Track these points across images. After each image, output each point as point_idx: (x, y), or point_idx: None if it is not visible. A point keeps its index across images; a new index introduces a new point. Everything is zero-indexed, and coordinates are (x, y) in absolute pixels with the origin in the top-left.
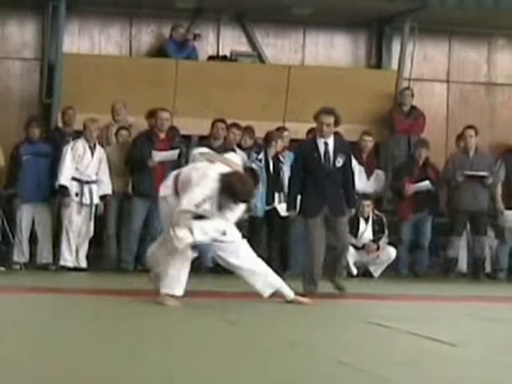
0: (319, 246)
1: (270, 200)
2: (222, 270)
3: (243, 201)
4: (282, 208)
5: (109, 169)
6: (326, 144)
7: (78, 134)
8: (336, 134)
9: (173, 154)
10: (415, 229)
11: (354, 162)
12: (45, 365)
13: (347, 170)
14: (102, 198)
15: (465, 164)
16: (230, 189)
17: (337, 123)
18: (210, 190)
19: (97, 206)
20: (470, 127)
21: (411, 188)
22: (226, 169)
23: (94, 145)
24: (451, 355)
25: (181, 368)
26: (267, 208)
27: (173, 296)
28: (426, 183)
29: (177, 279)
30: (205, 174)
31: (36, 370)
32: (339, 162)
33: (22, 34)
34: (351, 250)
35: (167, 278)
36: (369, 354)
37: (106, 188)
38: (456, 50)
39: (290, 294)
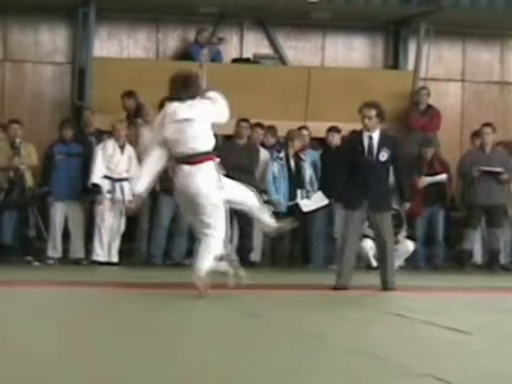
0: (352, 241)
1: (292, 196)
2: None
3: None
4: (304, 204)
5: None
6: (370, 138)
7: (100, 133)
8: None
9: None
10: (429, 223)
11: None
12: (78, 357)
13: (396, 164)
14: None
15: (481, 160)
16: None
17: (380, 116)
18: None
19: (129, 202)
20: (487, 125)
21: (425, 180)
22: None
23: (124, 144)
24: (467, 344)
25: (204, 358)
26: (289, 204)
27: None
28: (443, 176)
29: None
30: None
31: (69, 362)
32: (384, 157)
33: (53, 39)
34: (370, 243)
35: (205, 263)
36: (387, 343)
37: None
38: (470, 51)
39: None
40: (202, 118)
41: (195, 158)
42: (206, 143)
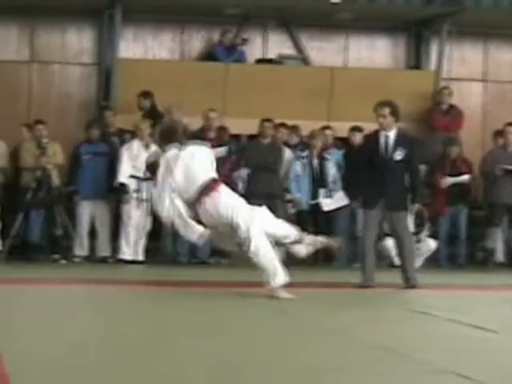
0: (371, 239)
1: (314, 195)
2: None
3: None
4: (325, 203)
5: None
6: (386, 137)
7: (122, 133)
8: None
9: (221, 150)
10: (452, 222)
11: None
12: (103, 357)
13: (411, 163)
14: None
15: (504, 159)
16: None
17: (394, 114)
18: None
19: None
20: (511, 124)
21: (448, 181)
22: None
23: (148, 143)
24: (492, 342)
25: (231, 355)
26: (312, 202)
27: (282, 284)
28: (466, 177)
29: (278, 267)
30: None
31: (95, 361)
32: (399, 156)
33: (80, 40)
34: (392, 241)
35: (270, 271)
36: (412, 340)
37: None
38: (492, 51)
39: None
40: (199, 150)
41: (209, 187)
42: (211, 171)
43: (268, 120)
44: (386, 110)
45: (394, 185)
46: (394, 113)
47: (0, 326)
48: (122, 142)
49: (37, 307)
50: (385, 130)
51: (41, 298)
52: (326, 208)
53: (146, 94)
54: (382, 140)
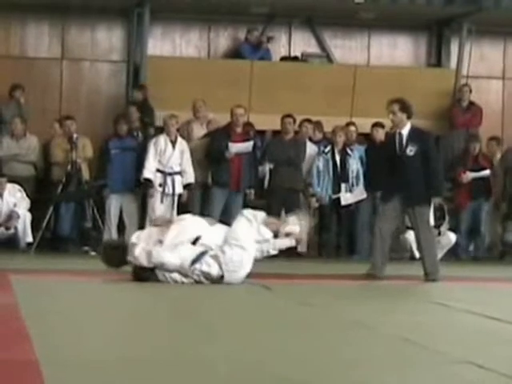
0: (381, 231)
1: (335, 190)
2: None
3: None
4: (344, 198)
5: (193, 162)
6: (400, 134)
7: (145, 128)
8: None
9: (247, 145)
10: (473, 216)
11: None
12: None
13: (425, 158)
14: (187, 186)
15: None
16: None
17: (405, 111)
18: None
19: (180, 195)
20: None
21: (469, 176)
22: None
23: (176, 138)
24: (508, 333)
25: (260, 347)
26: (334, 197)
27: None
28: (486, 172)
29: None
30: None
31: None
32: (411, 151)
33: (109, 38)
34: (413, 235)
35: None
36: (431, 332)
37: (190, 177)
38: (510, 49)
39: None
40: None
41: None
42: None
43: (289, 116)
44: (395, 107)
45: (412, 180)
46: (404, 109)
47: (31, 316)
48: (145, 137)
49: (66, 297)
50: (397, 127)
51: (70, 289)
52: (344, 202)
53: (140, 87)
54: (397, 137)
